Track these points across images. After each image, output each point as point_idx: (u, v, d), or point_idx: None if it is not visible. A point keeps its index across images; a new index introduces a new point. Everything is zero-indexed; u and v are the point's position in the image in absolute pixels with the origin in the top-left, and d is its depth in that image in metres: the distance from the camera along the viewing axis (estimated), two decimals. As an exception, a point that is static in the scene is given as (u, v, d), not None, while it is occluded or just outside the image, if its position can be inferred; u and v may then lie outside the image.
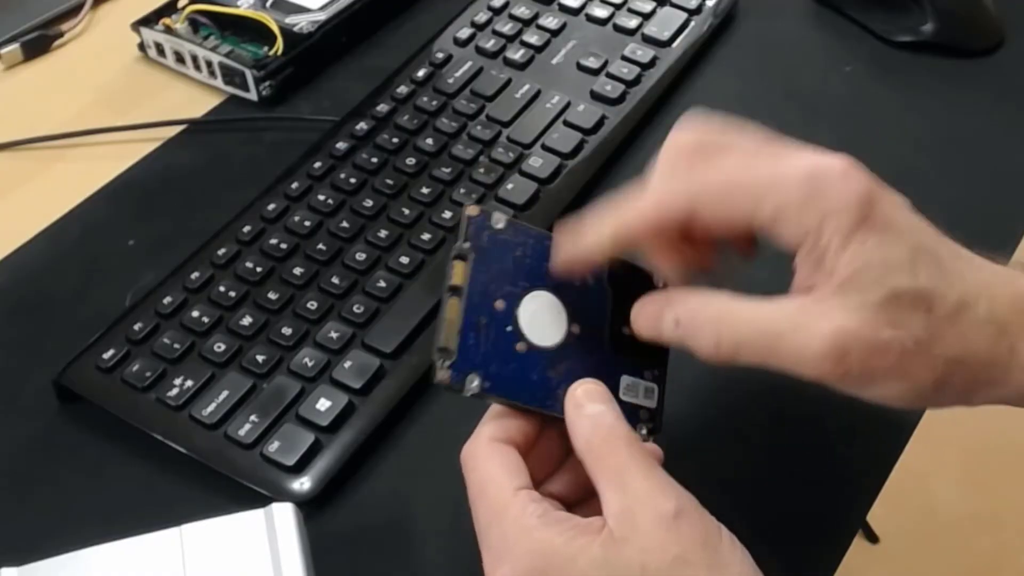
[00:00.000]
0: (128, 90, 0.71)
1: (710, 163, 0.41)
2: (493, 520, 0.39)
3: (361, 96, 0.66)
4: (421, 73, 0.67)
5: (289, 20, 0.70)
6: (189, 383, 0.51)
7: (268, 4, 0.71)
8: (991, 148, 0.66)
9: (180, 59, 0.70)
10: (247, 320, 0.54)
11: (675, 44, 0.70)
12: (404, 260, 0.56)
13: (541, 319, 0.43)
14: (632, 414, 0.43)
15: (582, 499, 0.42)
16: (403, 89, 0.66)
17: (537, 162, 0.62)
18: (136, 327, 0.54)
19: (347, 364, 0.52)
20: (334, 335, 0.53)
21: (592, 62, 0.68)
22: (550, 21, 0.71)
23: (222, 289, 0.55)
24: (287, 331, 0.53)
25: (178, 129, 0.68)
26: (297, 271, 0.56)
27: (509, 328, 0.42)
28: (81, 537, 0.42)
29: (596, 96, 0.66)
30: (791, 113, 0.67)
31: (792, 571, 0.47)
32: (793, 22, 0.75)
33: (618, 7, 0.72)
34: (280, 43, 0.69)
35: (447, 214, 0.59)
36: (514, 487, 0.39)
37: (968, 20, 0.72)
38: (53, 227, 0.62)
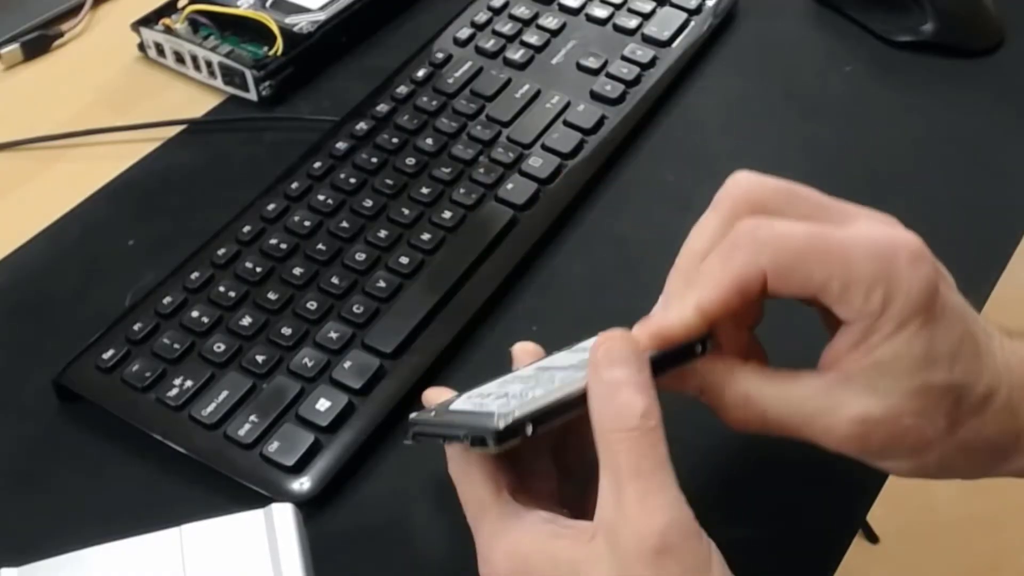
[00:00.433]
0: (128, 90, 0.71)
1: (775, 228, 0.39)
2: (476, 524, 0.40)
3: (361, 96, 0.66)
4: (421, 73, 0.67)
5: (289, 20, 0.70)
6: (189, 383, 0.51)
7: (268, 4, 0.71)
8: (991, 148, 0.65)
9: (180, 59, 0.70)
10: (247, 320, 0.54)
11: (675, 44, 0.70)
12: (404, 260, 0.56)
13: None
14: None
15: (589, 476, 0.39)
16: (403, 89, 0.66)
17: (537, 162, 0.62)
18: (136, 327, 0.54)
19: (347, 364, 0.52)
20: (334, 335, 0.53)
21: (592, 62, 0.68)
22: (550, 21, 0.71)
23: (222, 289, 0.55)
24: (287, 331, 0.53)
25: (178, 129, 0.68)
26: (297, 271, 0.56)
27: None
28: (81, 537, 0.42)
29: (596, 96, 0.66)
30: (791, 113, 0.67)
31: (792, 571, 0.47)
32: (793, 22, 0.75)
33: (618, 7, 0.72)
34: (280, 43, 0.69)
35: (447, 214, 0.59)
36: (493, 490, 0.40)
37: (968, 20, 0.72)
38: (53, 227, 0.62)
